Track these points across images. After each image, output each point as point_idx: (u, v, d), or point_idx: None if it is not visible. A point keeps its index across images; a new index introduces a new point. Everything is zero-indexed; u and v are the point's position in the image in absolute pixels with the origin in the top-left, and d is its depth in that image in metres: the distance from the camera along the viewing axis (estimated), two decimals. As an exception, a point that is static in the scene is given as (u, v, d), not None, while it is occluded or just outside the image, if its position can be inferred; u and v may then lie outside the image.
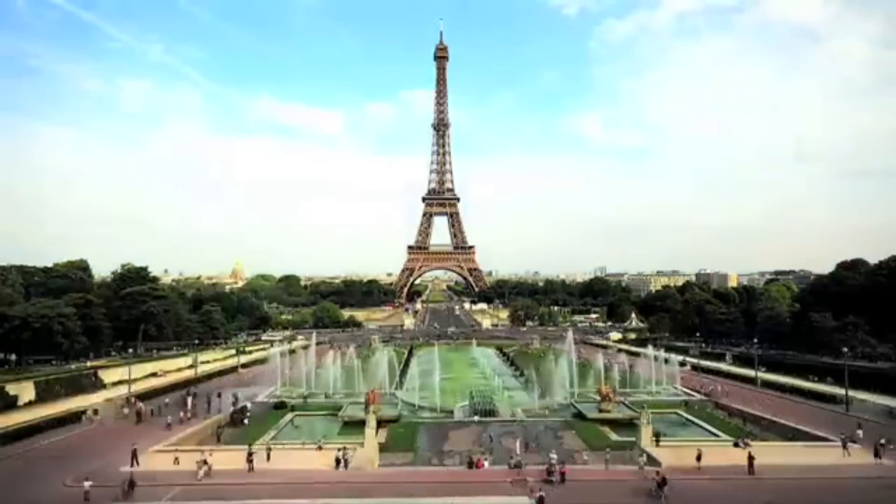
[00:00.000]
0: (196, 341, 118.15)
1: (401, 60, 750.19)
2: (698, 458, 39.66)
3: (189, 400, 62.08)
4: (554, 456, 38.71)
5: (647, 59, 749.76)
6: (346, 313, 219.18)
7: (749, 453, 39.13)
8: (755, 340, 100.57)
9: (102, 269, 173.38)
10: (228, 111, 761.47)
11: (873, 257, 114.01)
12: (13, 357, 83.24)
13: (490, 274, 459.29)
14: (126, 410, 59.69)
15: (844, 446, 42.63)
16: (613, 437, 51.53)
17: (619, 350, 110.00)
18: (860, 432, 46.68)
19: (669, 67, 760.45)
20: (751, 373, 79.51)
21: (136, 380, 71.76)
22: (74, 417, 55.38)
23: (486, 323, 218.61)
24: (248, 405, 62.87)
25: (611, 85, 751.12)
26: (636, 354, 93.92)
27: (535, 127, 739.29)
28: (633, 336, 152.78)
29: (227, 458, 41.06)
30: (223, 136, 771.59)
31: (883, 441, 42.44)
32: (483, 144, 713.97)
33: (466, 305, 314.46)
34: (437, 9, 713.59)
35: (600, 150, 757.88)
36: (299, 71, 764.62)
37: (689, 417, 59.00)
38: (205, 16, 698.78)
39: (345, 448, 41.43)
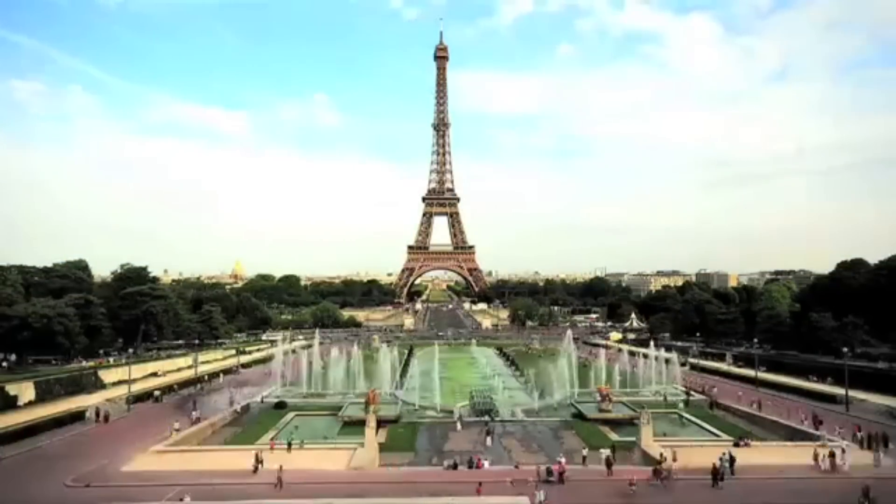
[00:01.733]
0: (196, 341, 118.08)
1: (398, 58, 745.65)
2: (673, 458, 39.38)
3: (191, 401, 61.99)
4: (555, 462, 38.63)
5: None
6: (346, 313, 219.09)
7: (730, 454, 39.02)
8: (755, 340, 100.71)
9: (102, 269, 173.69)
10: (133, 111, 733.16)
11: (873, 257, 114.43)
12: (13, 357, 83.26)
13: (490, 274, 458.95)
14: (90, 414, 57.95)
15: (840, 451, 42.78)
16: (613, 436, 51.49)
17: (619, 350, 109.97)
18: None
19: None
20: (751, 373, 79.51)
21: (135, 380, 71.70)
22: (74, 417, 55.33)
23: (487, 323, 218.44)
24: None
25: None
26: (636, 354, 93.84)
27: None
28: (633, 336, 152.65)
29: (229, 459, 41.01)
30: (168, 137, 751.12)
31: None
32: (481, 145, 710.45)
33: (466, 305, 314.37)
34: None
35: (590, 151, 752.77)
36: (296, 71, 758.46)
37: (690, 417, 59.00)
38: (94, 19, 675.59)
39: (260, 451, 40.92)
